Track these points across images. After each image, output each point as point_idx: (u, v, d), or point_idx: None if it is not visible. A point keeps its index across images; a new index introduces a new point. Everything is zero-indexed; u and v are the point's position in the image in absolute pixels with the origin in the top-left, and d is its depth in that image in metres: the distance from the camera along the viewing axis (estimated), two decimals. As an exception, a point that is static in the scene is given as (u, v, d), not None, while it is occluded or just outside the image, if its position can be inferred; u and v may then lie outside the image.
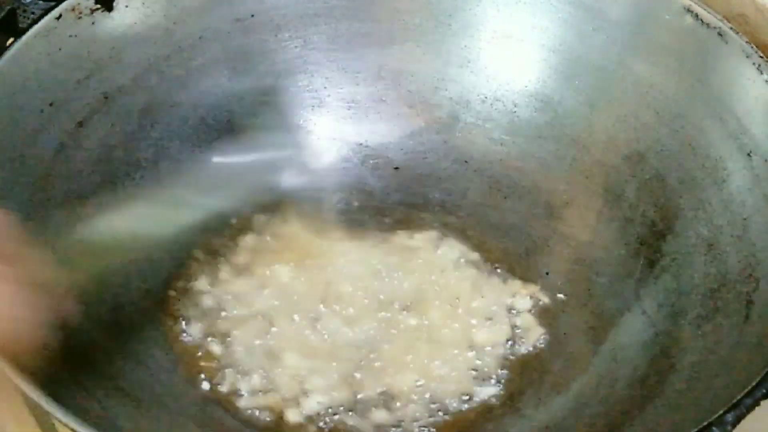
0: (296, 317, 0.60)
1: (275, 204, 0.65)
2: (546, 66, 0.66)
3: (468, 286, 0.62)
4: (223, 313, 0.60)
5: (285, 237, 0.64)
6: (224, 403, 0.56)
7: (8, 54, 0.54)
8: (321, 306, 0.60)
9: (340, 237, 0.64)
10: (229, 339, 0.59)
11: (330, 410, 0.56)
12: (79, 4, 0.58)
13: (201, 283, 0.61)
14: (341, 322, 0.60)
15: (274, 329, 0.59)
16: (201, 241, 0.62)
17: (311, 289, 0.61)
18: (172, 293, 0.60)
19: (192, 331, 0.59)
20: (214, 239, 0.63)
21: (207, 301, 0.60)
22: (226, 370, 0.57)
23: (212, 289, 0.61)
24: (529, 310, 0.61)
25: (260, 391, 0.57)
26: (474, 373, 0.58)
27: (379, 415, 0.56)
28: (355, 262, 0.63)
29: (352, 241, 0.64)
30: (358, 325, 0.59)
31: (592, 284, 0.61)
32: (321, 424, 0.55)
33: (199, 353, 0.58)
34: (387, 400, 0.57)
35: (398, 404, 0.56)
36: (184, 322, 0.59)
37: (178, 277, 0.61)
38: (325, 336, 0.59)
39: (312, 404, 0.56)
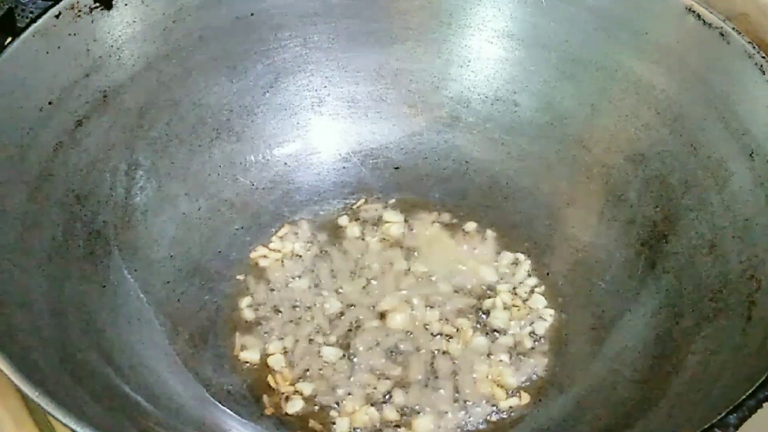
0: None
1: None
2: (547, 66, 0.65)
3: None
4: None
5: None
6: (224, 404, 0.56)
7: (7, 52, 0.54)
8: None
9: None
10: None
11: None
12: (78, 2, 0.57)
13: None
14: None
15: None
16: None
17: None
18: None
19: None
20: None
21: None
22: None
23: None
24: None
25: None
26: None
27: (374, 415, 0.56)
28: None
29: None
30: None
31: (593, 285, 0.61)
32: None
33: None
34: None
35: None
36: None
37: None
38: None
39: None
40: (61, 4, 0.57)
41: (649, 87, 0.61)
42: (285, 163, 0.68)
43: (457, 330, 0.60)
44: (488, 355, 0.59)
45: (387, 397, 0.57)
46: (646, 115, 0.62)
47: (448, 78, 0.68)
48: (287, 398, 0.57)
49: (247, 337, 0.60)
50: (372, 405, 0.56)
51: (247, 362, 0.59)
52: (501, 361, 0.59)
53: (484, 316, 0.61)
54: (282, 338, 0.60)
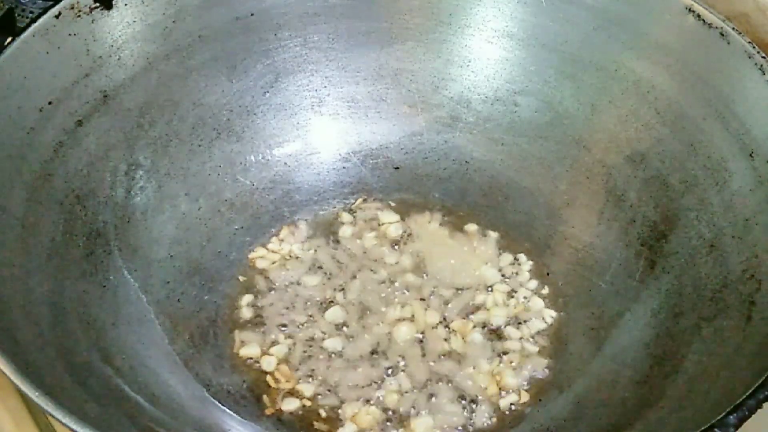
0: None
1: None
2: (547, 66, 0.65)
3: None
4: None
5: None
6: (224, 404, 0.56)
7: (7, 52, 0.54)
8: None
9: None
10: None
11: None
12: (78, 2, 0.57)
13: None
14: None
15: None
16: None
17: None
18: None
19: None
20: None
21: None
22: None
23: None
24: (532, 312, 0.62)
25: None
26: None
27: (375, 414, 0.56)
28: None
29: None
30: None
31: (593, 285, 0.61)
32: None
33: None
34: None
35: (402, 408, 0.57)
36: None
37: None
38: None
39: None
40: (61, 4, 0.57)
41: (649, 87, 0.61)
42: (285, 163, 0.68)
43: (458, 330, 0.60)
44: (488, 355, 0.59)
45: (387, 397, 0.57)
46: (646, 115, 0.62)
47: (448, 78, 0.68)
48: (284, 396, 0.57)
49: (247, 336, 0.60)
50: (373, 405, 0.56)
51: (247, 361, 0.59)
52: (501, 361, 0.59)
53: (484, 317, 0.61)
54: (282, 339, 0.60)
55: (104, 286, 0.56)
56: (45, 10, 0.56)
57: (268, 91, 0.67)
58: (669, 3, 0.60)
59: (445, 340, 0.60)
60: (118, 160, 0.60)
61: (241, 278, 0.63)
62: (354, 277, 0.63)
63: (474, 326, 0.60)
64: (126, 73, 0.60)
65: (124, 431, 0.48)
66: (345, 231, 0.66)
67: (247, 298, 0.62)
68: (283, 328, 0.60)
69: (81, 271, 0.55)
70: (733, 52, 0.57)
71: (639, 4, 0.61)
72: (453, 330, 0.60)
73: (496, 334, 0.60)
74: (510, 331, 0.60)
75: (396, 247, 0.65)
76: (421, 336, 0.60)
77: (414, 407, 0.57)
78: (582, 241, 0.63)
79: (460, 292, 0.62)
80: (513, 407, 0.57)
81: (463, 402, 0.57)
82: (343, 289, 0.62)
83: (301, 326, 0.60)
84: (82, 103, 0.58)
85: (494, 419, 0.56)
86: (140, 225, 0.61)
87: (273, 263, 0.64)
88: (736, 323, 0.51)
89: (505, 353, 0.59)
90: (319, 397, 0.57)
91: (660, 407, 0.51)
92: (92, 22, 0.58)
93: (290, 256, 0.64)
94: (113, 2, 0.59)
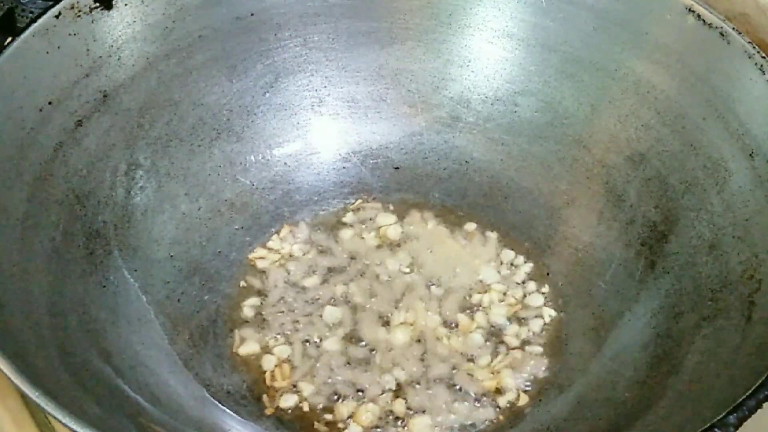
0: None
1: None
2: (547, 66, 0.65)
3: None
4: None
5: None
6: (224, 404, 0.56)
7: (7, 52, 0.54)
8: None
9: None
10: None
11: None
12: (78, 2, 0.57)
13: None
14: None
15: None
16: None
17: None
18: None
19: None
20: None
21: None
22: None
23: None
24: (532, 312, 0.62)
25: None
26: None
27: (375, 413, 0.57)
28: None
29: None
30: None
31: (593, 285, 0.61)
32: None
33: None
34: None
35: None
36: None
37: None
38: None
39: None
40: (61, 4, 0.57)
41: (649, 87, 0.61)
42: (285, 163, 0.68)
43: (457, 330, 0.60)
44: (488, 354, 0.59)
45: (386, 397, 0.57)
46: (646, 115, 0.61)
47: (448, 78, 0.68)
48: (282, 394, 0.57)
49: (247, 335, 0.60)
50: (372, 405, 0.56)
51: (246, 361, 0.59)
52: (501, 361, 0.59)
53: (483, 317, 0.61)
54: (281, 339, 0.60)
55: (104, 286, 0.56)
56: (45, 10, 0.56)
57: (268, 91, 0.67)
58: (669, 3, 0.60)
59: (445, 339, 0.60)
60: (118, 160, 0.60)
61: (240, 278, 0.63)
62: (353, 277, 0.63)
63: (474, 326, 0.60)
64: (126, 73, 0.60)
65: (124, 431, 0.48)
66: (345, 231, 0.66)
67: (247, 299, 0.62)
68: (282, 328, 0.60)
69: (81, 271, 0.55)
70: (733, 52, 0.57)
71: (639, 4, 0.61)
72: (452, 330, 0.60)
73: (495, 333, 0.60)
74: (510, 330, 0.60)
75: (396, 247, 0.65)
76: (420, 336, 0.60)
77: (414, 407, 0.57)
78: (582, 241, 0.63)
79: (459, 292, 0.62)
80: (512, 407, 0.57)
81: (463, 402, 0.57)
82: (342, 289, 0.62)
83: (300, 326, 0.60)
84: (82, 103, 0.58)
85: (494, 419, 0.56)
86: (140, 225, 0.61)
87: (273, 263, 0.64)
88: (736, 323, 0.51)
89: (504, 353, 0.59)
90: (319, 397, 0.57)
91: (660, 407, 0.51)
92: (92, 22, 0.58)
93: (290, 256, 0.64)
94: (113, 2, 0.59)
